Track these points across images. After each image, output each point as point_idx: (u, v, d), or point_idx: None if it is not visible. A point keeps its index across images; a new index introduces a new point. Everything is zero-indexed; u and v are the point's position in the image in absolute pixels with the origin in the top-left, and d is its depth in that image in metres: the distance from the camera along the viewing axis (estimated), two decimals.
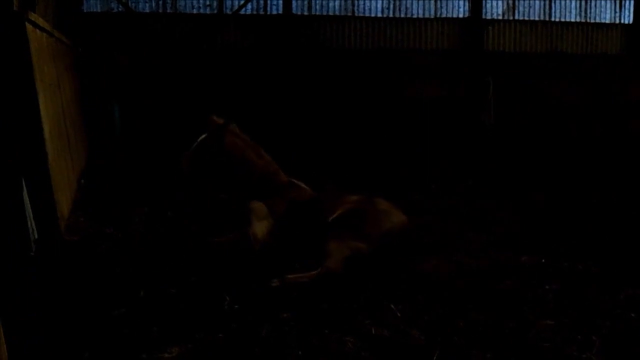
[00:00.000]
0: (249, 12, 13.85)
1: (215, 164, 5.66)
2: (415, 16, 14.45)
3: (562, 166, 10.92)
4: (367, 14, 14.36)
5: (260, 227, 5.51)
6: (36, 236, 5.09)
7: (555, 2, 14.76)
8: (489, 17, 14.60)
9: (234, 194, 5.95)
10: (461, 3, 14.57)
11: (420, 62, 14.12)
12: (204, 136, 5.71)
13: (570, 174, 10.18)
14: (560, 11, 14.78)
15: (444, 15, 14.55)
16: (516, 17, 14.66)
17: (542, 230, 6.81)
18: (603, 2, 14.91)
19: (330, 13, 14.19)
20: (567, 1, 14.82)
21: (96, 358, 3.95)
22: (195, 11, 13.59)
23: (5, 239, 4.52)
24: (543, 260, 5.63)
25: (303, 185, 5.94)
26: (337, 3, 14.22)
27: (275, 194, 5.70)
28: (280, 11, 13.93)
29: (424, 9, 14.50)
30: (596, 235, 6.56)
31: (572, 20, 14.73)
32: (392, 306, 4.71)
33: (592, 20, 14.84)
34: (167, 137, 10.52)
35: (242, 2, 13.61)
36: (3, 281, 4.02)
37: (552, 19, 14.71)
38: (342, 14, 14.29)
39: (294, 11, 14.05)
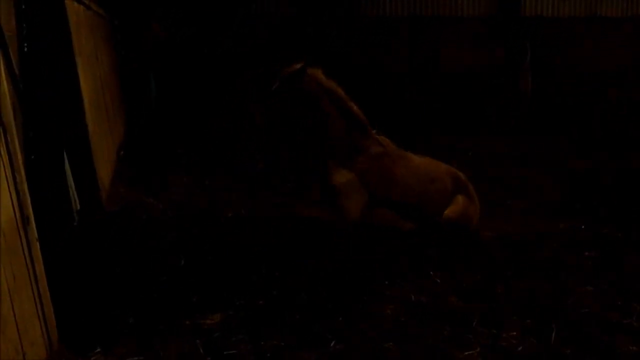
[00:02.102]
0: None
1: (292, 115, 5.17)
2: None
3: (602, 133, 10.78)
4: None
5: (354, 203, 5.17)
6: (79, 207, 5.16)
7: None
8: None
9: (313, 150, 5.50)
10: None
11: (456, 29, 13.96)
12: (278, 83, 5.19)
13: (610, 141, 10.05)
14: None
15: None
16: None
17: (582, 197, 6.76)
18: None
19: None
20: None
21: (141, 324, 4.03)
22: None
23: (48, 210, 4.59)
24: (582, 227, 5.60)
25: (390, 142, 5.53)
26: None
27: (360, 153, 5.27)
28: None
29: None
30: (637, 203, 6.49)
31: None
32: (432, 272, 4.73)
33: None
34: (204, 106, 10.58)
35: None
36: (49, 252, 4.10)
37: None
38: None
39: None
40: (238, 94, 9.34)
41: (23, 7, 4.68)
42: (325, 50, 12.81)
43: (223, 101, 9.81)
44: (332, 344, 3.80)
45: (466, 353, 3.73)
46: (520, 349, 3.75)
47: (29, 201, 3.51)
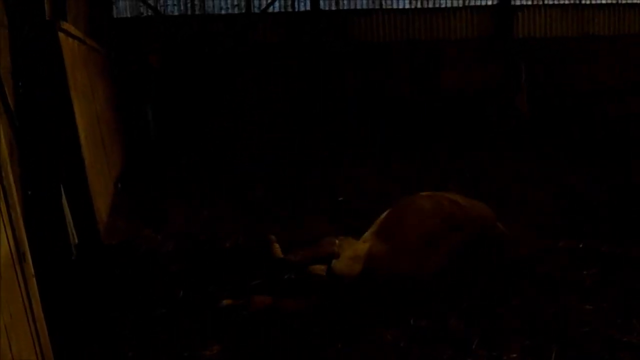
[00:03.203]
0: (276, 9, 13.89)
1: None
2: (443, 6, 14.35)
3: (599, 149, 10.78)
4: (394, 6, 14.30)
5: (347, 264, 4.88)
6: (76, 241, 5.18)
7: None
8: (517, 3, 14.45)
9: None
10: None
11: (451, 52, 14.04)
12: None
13: (608, 157, 10.05)
14: None
15: (472, 4, 14.43)
16: (545, 2, 14.49)
17: (580, 214, 6.75)
18: None
19: (358, 7, 14.17)
20: None
21: (140, 357, 4.02)
22: (223, 12, 13.64)
23: (47, 244, 4.61)
24: (581, 246, 5.59)
25: None
26: None
27: None
28: (308, 7, 13.94)
29: None
30: (635, 219, 6.48)
31: (602, 2, 14.53)
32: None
33: (623, 1, 14.62)
34: (202, 137, 10.61)
35: (269, 1, 13.64)
36: (47, 285, 4.10)
37: (582, 2, 14.53)
38: (370, 7, 14.25)
39: (321, 7, 14.04)
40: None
41: (19, 43, 4.72)
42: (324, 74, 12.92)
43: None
44: None
45: None
46: None
47: (24, 237, 3.52)
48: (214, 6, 13.61)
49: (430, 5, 14.48)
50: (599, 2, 14.66)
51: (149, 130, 10.04)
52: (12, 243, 3.36)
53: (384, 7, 14.36)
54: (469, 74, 13.90)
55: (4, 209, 3.33)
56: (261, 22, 13.55)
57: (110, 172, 7.19)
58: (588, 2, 14.65)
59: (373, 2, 14.38)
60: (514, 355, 3.88)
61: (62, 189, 5.07)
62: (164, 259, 5.52)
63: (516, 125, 12.79)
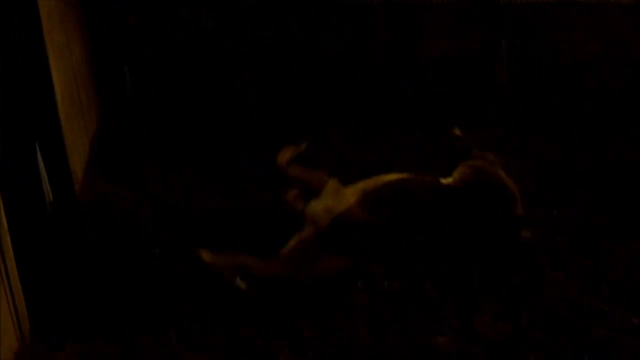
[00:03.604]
0: None
1: None
2: None
3: (579, 122, 10.82)
4: None
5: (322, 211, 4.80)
6: (51, 198, 5.14)
7: None
8: None
9: None
10: None
11: (431, 17, 13.91)
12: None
13: (587, 130, 10.08)
14: None
15: None
16: None
17: (558, 185, 6.79)
18: None
19: None
20: None
21: (115, 316, 4.04)
22: None
23: (20, 201, 4.57)
24: (554, 213, 5.63)
25: None
26: None
27: None
28: None
29: None
30: (610, 189, 6.53)
31: None
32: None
33: None
34: (180, 97, 10.49)
35: None
36: (20, 243, 4.08)
37: None
38: None
39: None
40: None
41: None
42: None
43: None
44: (305, 332, 3.83)
45: (439, 339, 3.77)
46: (492, 334, 3.79)
47: None
48: None
49: None
50: None
51: (125, 90, 9.92)
52: None
53: None
54: (448, 41, 13.81)
55: None
56: None
57: (87, 132, 7.12)
58: None
59: None
60: (486, 319, 3.93)
61: (37, 146, 5.01)
62: (140, 218, 5.50)
63: (496, 95, 12.78)
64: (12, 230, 3.63)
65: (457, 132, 5.37)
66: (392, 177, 5.04)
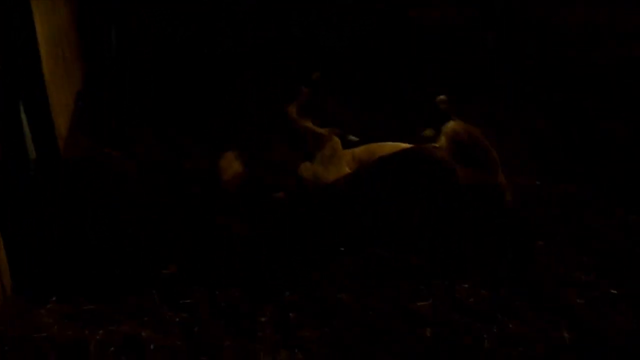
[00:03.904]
0: None
1: None
2: None
3: (565, 93, 10.82)
4: None
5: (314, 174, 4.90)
6: (35, 156, 5.11)
7: None
8: None
9: None
10: None
11: None
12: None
13: (573, 101, 10.09)
14: None
15: None
16: None
17: (542, 156, 6.82)
18: None
19: None
20: None
21: (98, 274, 4.04)
22: None
23: (2, 158, 4.54)
24: (538, 183, 5.66)
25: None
26: None
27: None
28: None
29: None
30: (596, 161, 6.56)
31: None
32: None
33: None
34: (166, 58, 10.41)
35: None
36: (4, 200, 4.07)
37: None
38: None
39: None
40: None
41: None
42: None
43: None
44: (287, 295, 3.86)
45: (419, 304, 3.81)
46: (471, 300, 3.84)
47: None
48: None
49: None
50: None
51: (111, 51, 9.82)
52: None
53: None
54: (440, 9, 13.71)
55: None
56: None
57: (71, 90, 7.05)
58: None
59: None
60: (466, 286, 3.97)
61: (20, 103, 4.97)
62: (125, 177, 5.48)
63: (487, 65, 12.73)
64: None
65: (443, 97, 5.36)
66: (388, 146, 5.05)
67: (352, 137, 5.11)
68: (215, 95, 8.13)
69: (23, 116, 4.95)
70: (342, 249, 4.38)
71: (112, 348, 3.42)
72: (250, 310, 3.75)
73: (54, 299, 3.78)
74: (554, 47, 13.47)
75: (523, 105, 9.68)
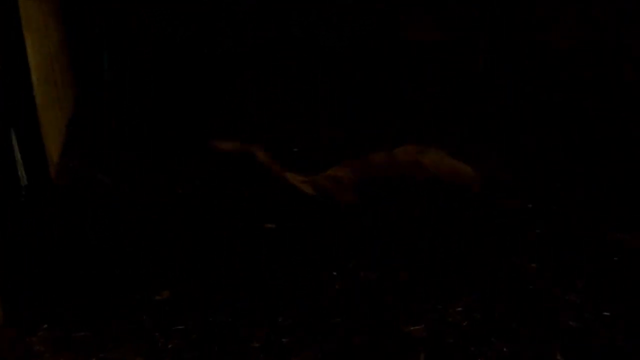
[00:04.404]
0: None
1: None
2: None
3: (553, 111, 10.86)
4: None
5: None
6: (26, 182, 5.10)
7: None
8: None
9: None
10: None
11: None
12: None
13: (561, 120, 10.13)
14: None
15: None
16: None
17: (531, 174, 6.83)
18: None
19: None
20: None
21: (90, 300, 4.02)
22: None
23: None
24: (529, 206, 5.67)
25: None
26: None
27: None
28: None
29: None
30: (587, 180, 6.58)
31: None
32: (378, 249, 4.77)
33: None
34: (157, 83, 10.43)
35: None
36: None
37: None
38: None
39: None
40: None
41: None
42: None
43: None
44: (280, 320, 3.85)
45: (412, 328, 3.79)
46: (465, 323, 3.82)
47: None
48: None
49: None
50: None
51: (102, 77, 9.83)
52: None
53: None
54: (429, 26, 13.74)
55: None
56: None
57: (62, 115, 7.05)
58: None
59: None
60: (460, 309, 3.96)
61: (11, 129, 4.97)
62: (116, 201, 5.48)
63: (477, 77, 12.74)
64: None
65: None
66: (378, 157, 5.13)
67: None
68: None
69: (14, 142, 4.94)
70: (335, 273, 4.37)
71: None
72: (244, 335, 3.73)
73: (45, 326, 3.76)
74: (548, 61, 13.55)
75: (509, 123, 9.72)
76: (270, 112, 6.24)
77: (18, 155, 5.03)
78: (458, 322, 3.85)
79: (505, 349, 3.62)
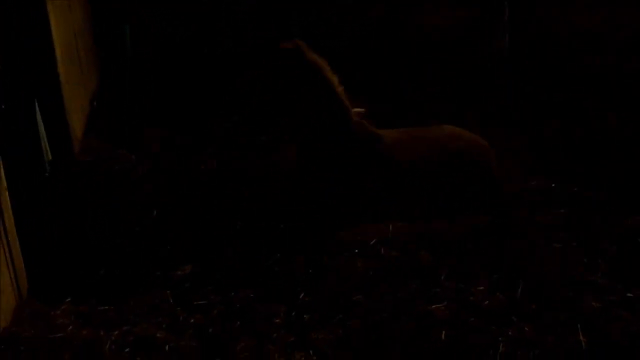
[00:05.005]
0: None
1: (288, 89, 4.66)
2: None
3: (575, 94, 10.77)
4: None
5: None
6: (50, 157, 5.14)
7: None
8: None
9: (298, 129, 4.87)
10: None
11: None
12: (275, 53, 4.74)
13: (582, 103, 10.04)
14: None
15: None
16: None
17: (553, 157, 6.79)
18: None
19: None
20: None
21: (111, 275, 4.05)
22: None
23: (19, 159, 4.57)
24: (553, 185, 5.63)
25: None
26: None
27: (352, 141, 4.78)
28: None
29: None
30: (608, 163, 6.53)
31: None
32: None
33: None
34: (181, 59, 10.45)
35: None
36: (19, 201, 4.09)
37: None
38: None
39: None
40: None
41: None
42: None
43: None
44: (301, 296, 3.85)
45: (434, 306, 3.78)
46: (486, 303, 3.81)
47: None
48: None
49: None
50: None
51: (126, 52, 9.85)
52: None
53: None
54: (447, 12, 13.63)
55: None
56: None
57: (86, 91, 7.10)
58: None
59: None
60: (481, 288, 3.95)
61: (36, 105, 5.00)
62: (138, 178, 5.50)
63: (495, 68, 12.66)
64: (11, 189, 3.62)
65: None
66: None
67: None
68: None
69: (39, 118, 4.97)
70: (356, 251, 4.37)
71: (127, 349, 3.42)
72: (265, 311, 3.74)
73: (68, 300, 3.79)
74: (563, 47, 13.42)
75: (531, 106, 9.66)
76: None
77: (42, 131, 5.06)
78: (479, 301, 3.83)
79: (526, 329, 3.60)
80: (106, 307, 3.76)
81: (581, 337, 3.52)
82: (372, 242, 4.47)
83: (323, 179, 4.79)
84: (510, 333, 3.56)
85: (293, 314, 3.73)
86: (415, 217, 4.80)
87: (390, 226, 4.67)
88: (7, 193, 3.55)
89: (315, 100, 4.68)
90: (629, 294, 3.91)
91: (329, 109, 4.70)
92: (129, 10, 9.74)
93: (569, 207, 5.20)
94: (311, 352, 3.43)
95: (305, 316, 3.71)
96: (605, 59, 12.96)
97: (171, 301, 3.82)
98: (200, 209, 4.97)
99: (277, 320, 3.68)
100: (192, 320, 3.66)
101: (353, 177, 4.79)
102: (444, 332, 3.57)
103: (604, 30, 13.65)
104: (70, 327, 3.55)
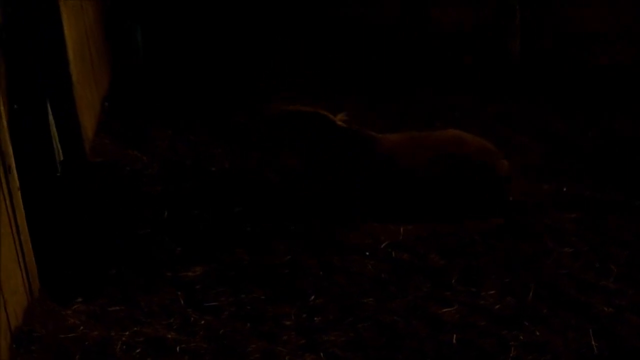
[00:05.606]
0: None
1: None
2: None
3: (587, 96, 10.74)
4: None
5: None
6: (62, 157, 5.15)
7: None
8: None
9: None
10: None
11: None
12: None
13: (595, 105, 10.01)
14: None
15: None
16: None
17: (565, 159, 6.77)
18: None
19: None
20: None
21: (122, 275, 4.06)
22: None
23: (31, 159, 4.58)
24: (564, 189, 5.62)
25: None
26: None
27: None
28: None
29: None
30: (620, 166, 6.51)
31: None
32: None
33: None
34: (191, 60, 10.47)
35: None
36: (31, 201, 4.10)
37: None
38: None
39: None
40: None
41: None
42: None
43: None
44: (312, 298, 3.86)
45: (444, 310, 3.78)
46: (497, 307, 3.81)
47: (10, 150, 3.50)
48: None
49: None
50: None
51: (137, 52, 9.87)
52: None
53: None
54: (460, 12, 13.61)
55: None
56: None
57: (98, 91, 7.11)
58: None
59: None
60: (492, 292, 3.95)
61: (48, 105, 5.01)
62: (149, 179, 5.51)
63: (507, 68, 12.64)
64: (23, 188, 3.63)
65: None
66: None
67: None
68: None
69: (50, 118, 4.99)
70: (367, 253, 4.37)
71: (138, 349, 3.42)
72: (276, 313, 3.75)
73: (80, 300, 3.80)
74: (574, 49, 13.38)
75: (544, 107, 9.62)
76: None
77: (54, 130, 5.08)
78: (490, 305, 3.83)
79: (537, 333, 3.59)
80: (117, 308, 3.77)
81: (593, 342, 3.51)
82: (382, 245, 4.48)
83: (321, 181, 5.15)
84: (521, 337, 3.56)
85: (304, 315, 3.74)
86: (420, 219, 4.87)
87: (401, 229, 4.69)
88: (19, 193, 3.56)
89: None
90: None
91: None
92: (141, 11, 9.77)
93: (580, 211, 5.19)
94: (322, 354, 3.43)
95: (315, 318, 3.71)
96: (618, 60, 12.94)
97: (182, 302, 3.83)
98: (211, 210, 4.97)
99: (288, 322, 3.68)
100: (202, 322, 3.67)
101: (349, 178, 5.06)
102: (454, 335, 3.57)
103: (617, 31, 13.63)
104: (82, 327, 3.56)
